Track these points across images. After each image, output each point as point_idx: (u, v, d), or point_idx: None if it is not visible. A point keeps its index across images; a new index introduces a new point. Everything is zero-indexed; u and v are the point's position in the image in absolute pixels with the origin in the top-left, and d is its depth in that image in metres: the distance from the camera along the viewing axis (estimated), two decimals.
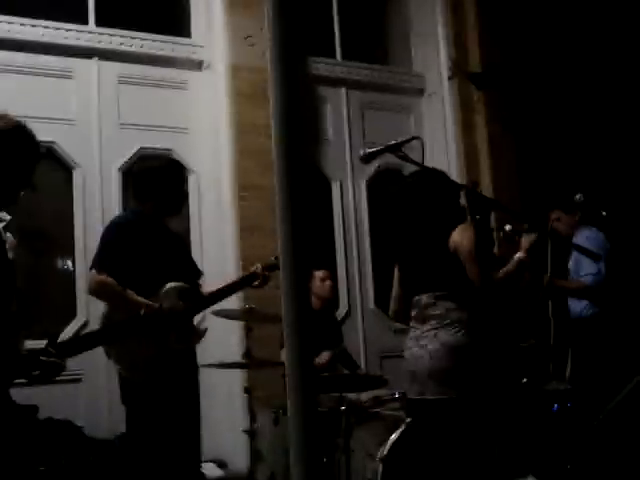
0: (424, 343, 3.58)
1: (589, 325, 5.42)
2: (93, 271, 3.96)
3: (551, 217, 5.52)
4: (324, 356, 5.24)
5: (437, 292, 3.57)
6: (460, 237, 3.45)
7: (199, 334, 4.25)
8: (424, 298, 3.64)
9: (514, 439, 4.80)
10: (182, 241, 4.42)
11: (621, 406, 3.84)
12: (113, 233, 4.07)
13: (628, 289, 5.59)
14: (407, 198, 3.82)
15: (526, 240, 3.57)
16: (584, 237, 5.36)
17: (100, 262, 3.96)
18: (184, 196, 4.41)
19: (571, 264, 5.52)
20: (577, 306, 5.51)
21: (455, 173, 7.11)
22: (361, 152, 3.44)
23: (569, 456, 4.96)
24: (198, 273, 4.42)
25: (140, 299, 3.85)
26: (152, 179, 4.15)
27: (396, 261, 4.09)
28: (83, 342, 3.06)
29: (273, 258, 4.06)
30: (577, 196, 5.27)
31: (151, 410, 3.81)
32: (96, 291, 3.98)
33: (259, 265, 4.35)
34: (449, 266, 3.47)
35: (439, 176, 3.79)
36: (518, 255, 3.52)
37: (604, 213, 5.32)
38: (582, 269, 5.37)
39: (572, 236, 5.37)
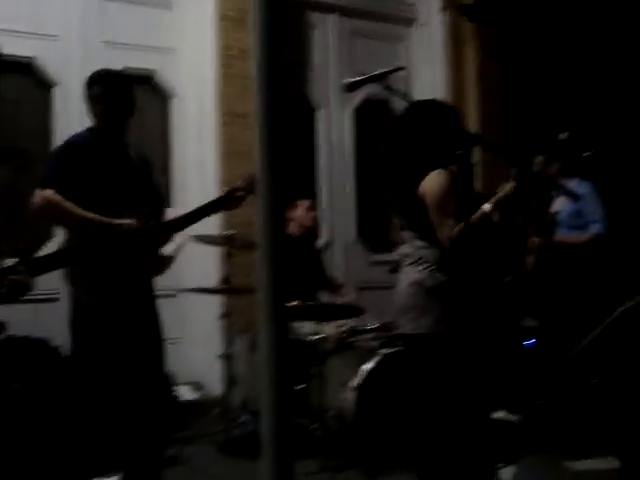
0: (399, 280, 3.60)
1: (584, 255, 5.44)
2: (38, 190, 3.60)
3: (535, 162, 5.48)
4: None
5: (409, 230, 3.55)
6: (429, 185, 3.35)
7: (168, 261, 3.99)
8: (403, 235, 3.63)
9: (488, 374, 4.87)
10: (146, 165, 4.02)
11: (597, 341, 3.87)
12: (63, 150, 3.78)
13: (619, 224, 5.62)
14: (396, 131, 3.69)
15: (501, 190, 3.45)
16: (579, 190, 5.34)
17: (46, 178, 3.61)
18: (129, 98, 3.90)
19: (562, 214, 5.49)
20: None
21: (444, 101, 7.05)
22: (345, 80, 3.39)
23: (541, 391, 5.05)
24: (161, 201, 4.13)
25: (97, 217, 3.57)
26: (94, 87, 3.83)
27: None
28: (54, 260, 3.00)
29: (251, 180, 3.82)
30: (562, 135, 5.25)
31: (106, 339, 3.60)
32: (41, 209, 3.59)
33: (236, 187, 4.00)
34: (419, 208, 3.42)
35: (432, 109, 3.63)
36: (485, 207, 3.34)
37: (587, 153, 5.30)
38: (585, 217, 5.37)
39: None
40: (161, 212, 4.02)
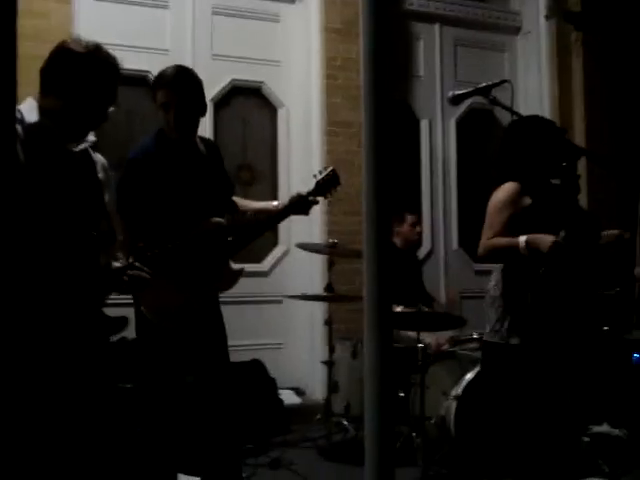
0: (489, 288, 3.68)
1: None
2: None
3: None
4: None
5: None
6: (494, 194, 3.54)
7: (236, 276, 3.68)
8: None
9: (592, 387, 4.80)
10: (216, 155, 3.73)
11: None
12: (126, 171, 3.51)
13: None
14: (502, 147, 3.77)
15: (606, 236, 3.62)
16: None
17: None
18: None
19: None
20: None
21: (547, 117, 6.97)
22: (450, 93, 3.41)
23: None
24: (231, 189, 3.85)
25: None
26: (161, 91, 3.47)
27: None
28: (167, 255, 3.10)
29: (319, 181, 3.74)
30: None
31: (168, 357, 3.45)
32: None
33: (305, 192, 3.76)
34: None
35: (537, 124, 3.67)
36: (520, 239, 3.38)
37: None
38: None
39: None
40: (231, 201, 3.80)
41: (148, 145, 3.53)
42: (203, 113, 3.57)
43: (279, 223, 4.01)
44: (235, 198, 3.86)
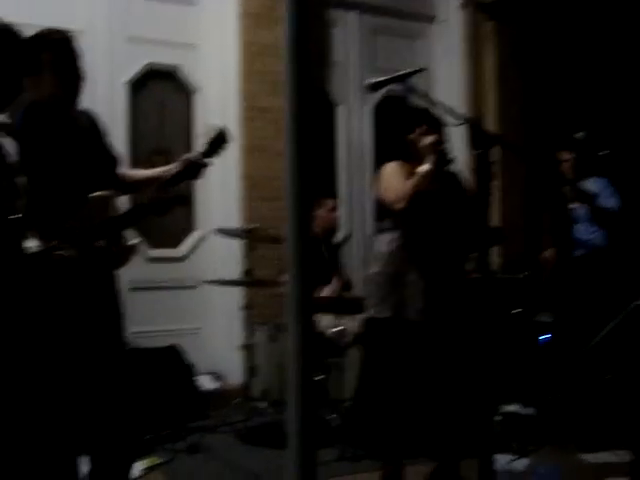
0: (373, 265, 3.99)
1: (602, 252, 5.50)
2: None
3: (560, 158, 5.56)
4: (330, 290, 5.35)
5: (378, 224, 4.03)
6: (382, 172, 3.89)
7: (130, 251, 3.43)
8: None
9: (502, 367, 4.94)
10: (97, 129, 3.48)
11: (611, 336, 3.96)
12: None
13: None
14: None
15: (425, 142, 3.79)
16: (595, 187, 5.43)
17: None
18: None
19: (580, 209, 5.54)
20: (592, 236, 5.55)
21: (461, 105, 7.11)
22: (368, 81, 3.47)
23: (555, 385, 5.12)
24: (115, 161, 3.57)
25: None
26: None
27: None
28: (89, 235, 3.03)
29: (205, 144, 3.43)
30: (579, 134, 5.31)
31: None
32: None
33: (196, 154, 3.45)
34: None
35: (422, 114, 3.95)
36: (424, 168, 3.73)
37: (603, 153, 5.36)
38: (604, 204, 5.44)
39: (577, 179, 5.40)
40: (115, 174, 3.53)
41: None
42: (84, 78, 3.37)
43: (170, 188, 3.48)
44: (124, 170, 3.62)
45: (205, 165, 3.46)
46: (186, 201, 3.72)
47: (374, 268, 3.89)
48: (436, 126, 3.90)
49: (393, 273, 3.78)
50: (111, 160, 3.54)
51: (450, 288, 3.81)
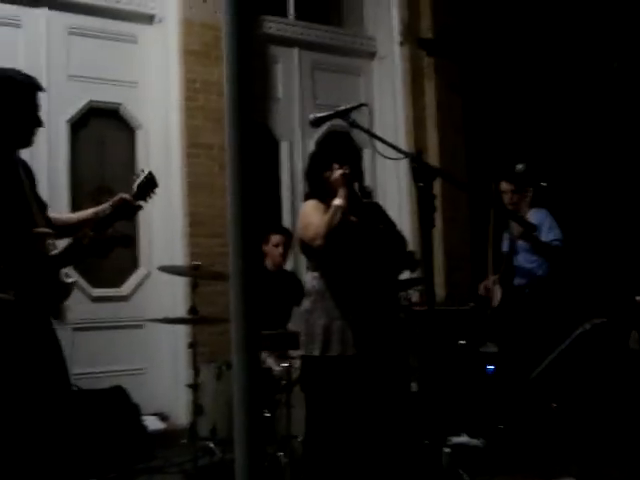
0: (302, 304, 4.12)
1: (544, 281, 5.56)
2: None
3: (495, 188, 5.64)
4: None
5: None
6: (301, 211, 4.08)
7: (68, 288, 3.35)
8: None
9: (449, 398, 4.96)
10: (31, 176, 3.43)
11: (554, 365, 4.01)
12: None
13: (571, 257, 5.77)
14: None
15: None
16: (535, 218, 5.50)
17: None
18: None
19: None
20: (533, 265, 5.60)
21: (402, 139, 7.20)
22: (311, 116, 3.51)
23: (502, 415, 5.15)
24: (44, 207, 3.47)
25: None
26: None
27: None
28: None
29: (134, 186, 3.50)
30: (519, 166, 5.39)
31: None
32: None
33: (125, 195, 3.48)
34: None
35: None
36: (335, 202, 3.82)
37: (544, 184, 5.45)
38: (548, 237, 5.50)
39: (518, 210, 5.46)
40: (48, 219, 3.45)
41: None
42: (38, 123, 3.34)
43: (106, 229, 3.47)
44: (51, 214, 3.54)
45: (137, 207, 3.49)
46: (129, 242, 3.71)
47: (304, 305, 3.96)
48: (351, 159, 4.04)
49: (319, 310, 3.84)
50: (42, 206, 3.46)
51: (380, 320, 3.87)
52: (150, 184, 3.56)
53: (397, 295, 4.29)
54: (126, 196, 3.45)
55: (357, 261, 3.86)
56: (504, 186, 5.62)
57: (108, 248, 3.39)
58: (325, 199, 3.93)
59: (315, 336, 3.84)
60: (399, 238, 4.12)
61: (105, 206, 3.44)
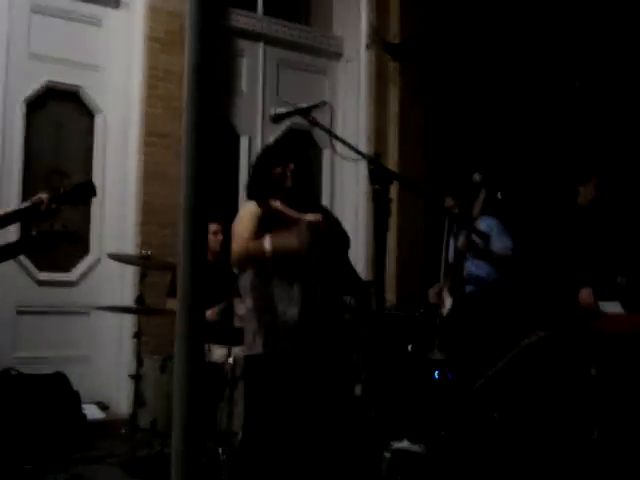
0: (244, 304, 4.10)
1: (493, 288, 5.62)
2: None
3: (446, 201, 5.71)
4: (212, 312, 5.27)
5: None
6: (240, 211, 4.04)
7: None
8: None
9: (393, 403, 4.97)
10: None
11: (500, 375, 4.04)
12: None
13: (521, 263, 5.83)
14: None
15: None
16: (485, 226, 5.56)
17: None
18: None
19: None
20: (481, 271, 5.67)
21: (363, 142, 7.20)
22: (271, 111, 3.49)
23: (445, 423, 5.17)
24: None
25: None
26: None
27: None
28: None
29: (61, 189, 3.49)
30: (475, 175, 5.42)
31: None
32: None
33: (45, 195, 3.46)
34: None
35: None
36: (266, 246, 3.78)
37: (499, 195, 5.49)
38: (497, 244, 5.56)
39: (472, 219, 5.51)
40: None
41: None
42: None
43: (6, 226, 3.59)
44: None
45: (52, 212, 3.40)
46: (77, 239, 3.68)
47: (246, 303, 3.94)
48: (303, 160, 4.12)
49: (258, 309, 3.84)
50: None
51: (320, 319, 3.87)
52: (85, 192, 3.53)
53: (340, 294, 4.26)
54: (44, 196, 3.39)
55: (295, 260, 3.84)
56: (448, 202, 5.68)
57: (56, 242, 3.39)
58: (266, 198, 3.91)
59: (255, 334, 3.83)
60: (343, 235, 4.13)
61: (21, 205, 3.42)
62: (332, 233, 3.99)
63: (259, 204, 3.89)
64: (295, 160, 4.00)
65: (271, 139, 7.09)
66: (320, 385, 3.76)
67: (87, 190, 3.55)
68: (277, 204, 3.88)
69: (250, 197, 4.02)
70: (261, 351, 3.80)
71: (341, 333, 3.96)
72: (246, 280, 3.94)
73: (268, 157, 4.09)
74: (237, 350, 4.86)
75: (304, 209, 3.94)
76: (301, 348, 3.78)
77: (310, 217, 3.89)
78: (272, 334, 3.78)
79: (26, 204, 3.45)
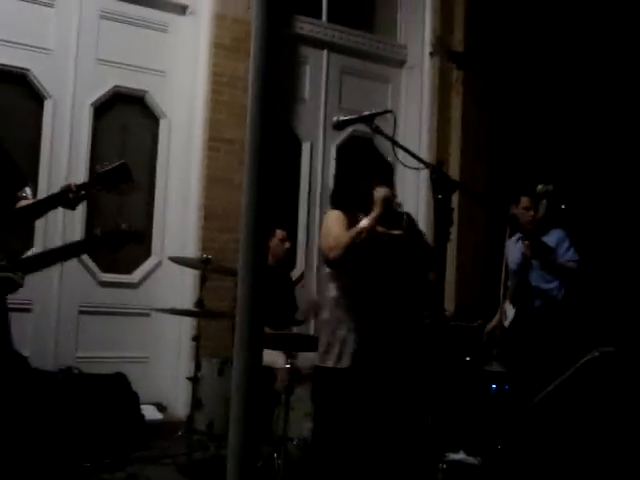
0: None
1: (562, 306, 5.52)
2: None
3: (512, 207, 5.60)
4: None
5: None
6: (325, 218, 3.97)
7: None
8: None
9: (450, 415, 4.92)
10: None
11: (559, 390, 3.97)
12: None
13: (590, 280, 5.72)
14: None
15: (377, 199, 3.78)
16: (555, 238, 5.46)
17: None
18: None
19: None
20: (550, 285, 5.55)
21: (425, 150, 7.16)
22: (334, 119, 3.47)
23: (501, 436, 5.10)
24: (21, 181, 3.54)
25: None
26: None
27: None
28: (40, 260, 2.97)
29: (111, 166, 3.43)
30: (539, 186, 5.34)
31: None
32: None
33: (74, 184, 3.36)
34: None
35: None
36: (363, 223, 3.72)
37: (563, 206, 5.40)
38: (563, 257, 5.46)
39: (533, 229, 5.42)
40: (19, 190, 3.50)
41: None
42: None
43: (40, 215, 3.57)
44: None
45: (85, 197, 3.34)
46: (142, 239, 3.66)
47: (324, 314, 3.90)
48: (388, 176, 3.97)
49: (336, 321, 3.79)
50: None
51: (393, 336, 3.82)
52: (119, 175, 3.40)
53: (420, 308, 4.21)
54: (72, 184, 3.32)
55: (377, 273, 3.80)
56: (524, 201, 5.56)
57: (121, 242, 3.39)
58: (351, 209, 3.87)
59: (330, 347, 3.79)
60: (427, 248, 4.06)
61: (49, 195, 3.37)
62: (415, 247, 3.93)
63: (344, 214, 3.86)
64: (380, 172, 3.95)
65: (333, 146, 7.11)
66: (399, 399, 3.72)
67: (120, 174, 3.40)
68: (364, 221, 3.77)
69: (335, 207, 3.98)
70: (332, 365, 3.76)
71: (416, 346, 3.91)
72: (329, 291, 3.89)
73: (353, 168, 4.06)
74: (301, 358, 4.87)
75: (389, 221, 3.87)
76: (386, 363, 3.73)
77: (396, 233, 3.85)
78: (345, 348, 3.74)
79: (54, 192, 3.36)
